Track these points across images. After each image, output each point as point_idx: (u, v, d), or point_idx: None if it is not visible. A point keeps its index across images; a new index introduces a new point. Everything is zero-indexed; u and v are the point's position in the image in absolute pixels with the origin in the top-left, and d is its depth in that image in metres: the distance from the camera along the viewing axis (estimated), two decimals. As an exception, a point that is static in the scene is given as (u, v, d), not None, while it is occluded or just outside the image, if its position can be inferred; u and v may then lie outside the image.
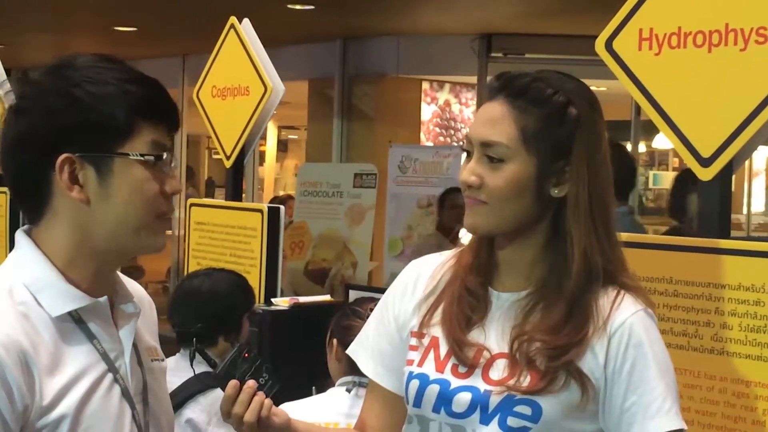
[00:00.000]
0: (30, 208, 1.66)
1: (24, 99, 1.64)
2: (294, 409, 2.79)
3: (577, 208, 1.76)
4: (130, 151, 1.60)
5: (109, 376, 1.63)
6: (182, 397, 3.12)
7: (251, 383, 1.76)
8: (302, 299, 4.36)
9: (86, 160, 1.60)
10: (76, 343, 1.61)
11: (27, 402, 1.52)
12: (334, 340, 2.92)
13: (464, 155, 1.84)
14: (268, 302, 4.17)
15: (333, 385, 2.94)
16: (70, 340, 1.60)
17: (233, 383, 1.75)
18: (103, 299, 1.65)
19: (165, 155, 1.64)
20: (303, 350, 3.30)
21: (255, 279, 4.18)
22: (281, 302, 4.20)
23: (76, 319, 1.62)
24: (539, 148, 1.77)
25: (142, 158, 1.61)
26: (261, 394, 1.77)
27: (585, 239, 1.76)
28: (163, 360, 1.82)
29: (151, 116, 1.63)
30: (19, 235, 1.67)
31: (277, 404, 1.83)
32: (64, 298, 1.61)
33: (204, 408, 3.10)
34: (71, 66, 1.63)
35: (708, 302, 2.36)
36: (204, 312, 3.27)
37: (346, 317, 2.85)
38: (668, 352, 1.80)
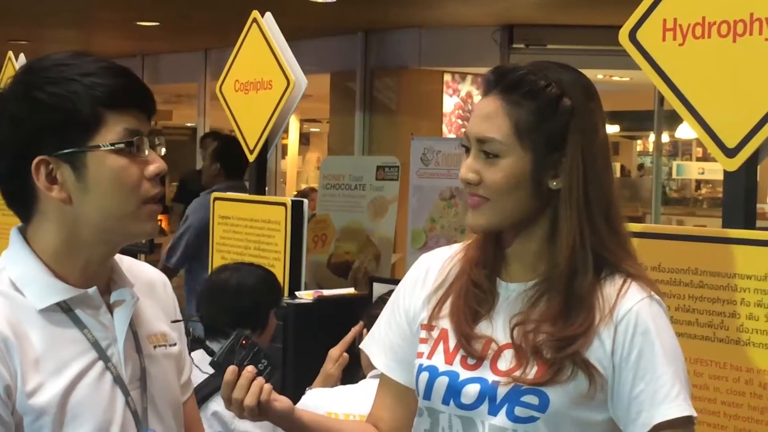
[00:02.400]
0: (19, 211, 1.71)
1: None
2: (324, 398, 2.81)
3: (571, 199, 1.76)
4: (100, 143, 1.62)
5: (100, 364, 1.66)
6: (208, 390, 3.13)
7: (250, 368, 1.77)
8: (326, 292, 4.38)
9: (60, 158, 1.62)
10: (65, 333, 1.65)
11: (8, 383, 1.56)
12: (363, 330, 2.95)
13: (464, 152, 1.84)
14: (292, 295, 4.19)
15: (363, 376, 2.94)
16: (59, 330, 1.64)
17: (232, 369, 1.77)
18: (92, 290, 1.67)
19: (137, 139, 1.64)
20: (328, 343, 3.30)
21: (279, 272, 4.19)
22: (305, 295, 4.22)
23: (65, 309, 1.66)
24: (533, 141, 1.77)
25: (113, 147, 1.62)
26: (260, 379, 1.78)
27: (575, 230, 1.76)
28: (173, 345, 1.82)
29: (118, 105, 1.64)
30: (13, 233, 1.71)
31: (294, 392, 1.83)
32: (49, 291, 1.65)
33: (230, 401, 3.11)
34: (31, 70, 1.66)
35: (733, 293, 2.35)
36: (230, 306, 3.28)
37: (376, 307, 2.87)
38: (686, 344, 1.80)
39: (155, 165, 1.67)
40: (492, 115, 1.78)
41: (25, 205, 1.68)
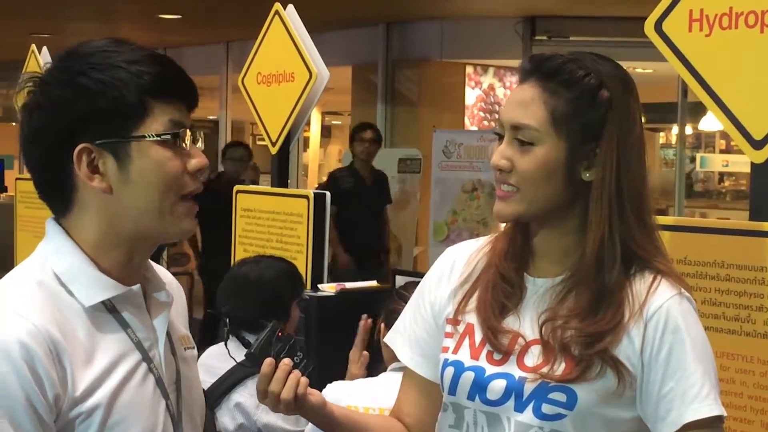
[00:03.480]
0: (56, 203, 1.63)
1: (32, 95, 1.60)
2: (346, 390, 2.80)
3: (602, 191, 1.74)
4: (145, 133, 1.57)
5: (144, 366, 1.61)
6: (231, 382, 3.14)
7: (287, 361, 1.75)
8: (349, 285, 4.37)
9: (103, 147, 1.56)
10: (110, 333, 1.59)
11: (58, 392, 1.50)
12: (382, 324, 2.94)
13: (497, 139, 1.81)
14: (314, 288, 4.19)
15: (384, 369, 2.94)
16: (103, 330, 1.58)
17: (269, 361, 1.75)
18: (136, 287, 1.62)
19: (182, 132, 1.60)
20: (350, 336, 3.29)
21: (301, 265, 4.19)
22: (328, 288, 4.21)
23: (109, 308, 1.60)
24: (569, 131, 1.74)
25: (159, 138, 1.57)
26: (297, 372, 1.76)
27: (605, 222, 1.73)
28: (193, 348, 1.79)
29: (164, 95, 1.59)
30: (50, 225, 1.65)
31: (317, 386, 1.82)
32: (97, 287, 1.59)
33: (253, 392, 3.10)
34: (75, 55, 1.59)
35: (761, 286, 2.34)
36: (252, 299, 3.28)
37: (393, 301, 2.86)
38: (713, 337, 1.78)
39: (197, 159, 1.62)
40: (528, 102, 1.76)
41: (62, 196, 1.61)
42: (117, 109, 1.56)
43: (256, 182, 8.81)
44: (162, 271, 1.80)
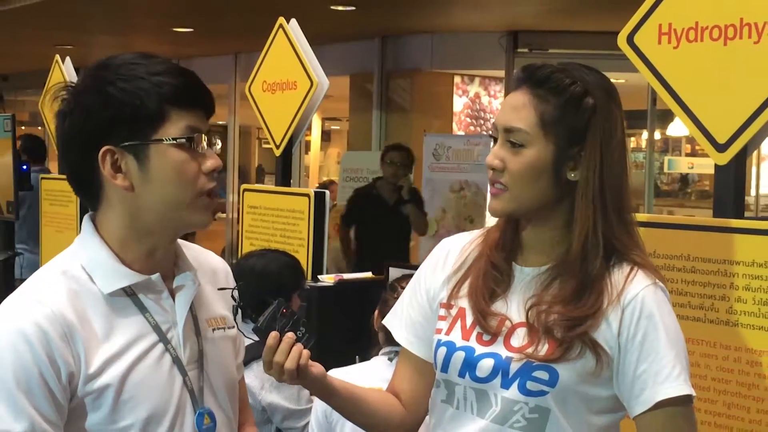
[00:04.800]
0: (88, 199, 1.70)
1: (66, 102, 1.65)
2: (339, 376, 2.80)
3: (587, 190, 1.75)
4: (163, 137, 1.61)
5: (160, 346, 1.65)
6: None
7: (290, 335, 1.75)
8: (346, 276, 4.37)
9: (125, 149, 1.61)
10: (129, 317, 1.63)
11: (72, 369, 1.55)
12: (376, 312, 2.95)
13: (492, 141, 1.83)
14: (315, 279, 4.18)
15: (377, 354, 2.94)
16: (122, 314, 1.63)
17: (274, 334, 1.74)
18: (155, 276, 1.66)
19: (197, 136, 1.63)
20: (347, 322, 3.30)
21: (303, 258, 4.18)
22: (327, 279, 4.21)
23: (129, 294, 1.64)
24: (556, 134, 1.75)
25: (175, 141, 1.61)
26: (299, 345, 1.76)
27: (589, 219, 1.74)
28: (231, 328, 1.81)
29: (182, 103, 1.62)
30: (85, 221, 1.70)
31: (317, 361, 1.82)
32: (116, 276, 1.64)
33: (257, 374, 3.10)
34: (106, 67, 1.64)
35: (723, 278, 2.33)
36: (255, 289, 3.27)
37: (388, 291, 2.86)
38: (679, 324, 1.78)
39: (212, 161, 1.65)
40: (520, 107, 1.77)
41: (93, 194, 1.67)
42: (138, 116, 1.60)
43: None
44: (206, 256, 1.84)
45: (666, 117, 9.78)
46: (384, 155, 6.90)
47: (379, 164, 6.93)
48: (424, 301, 1.93)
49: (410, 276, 2.04)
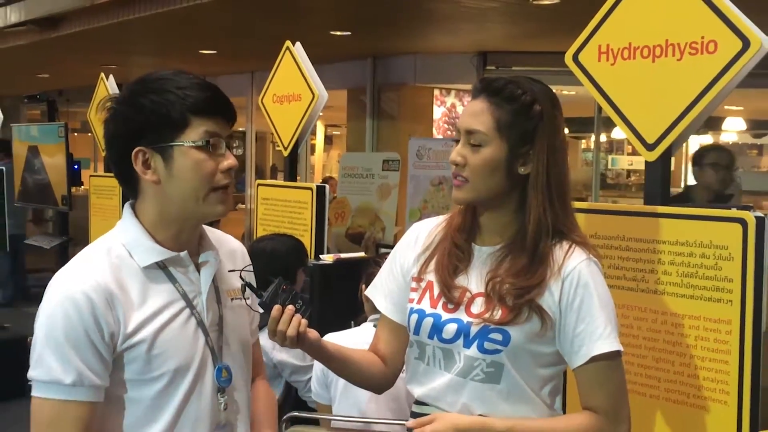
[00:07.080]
0: (129, 190, 1.71)
1: (110, 111, 1.67)
2: (334, 339, 2.80)
3: (537, 182, 1.75)
4: (184, 140, 1.62)
5: (187, 311, 1.66)
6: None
7: (290, 307, 1.76)
8: (344, 256, 4.36)
9: (154, 150, 1.63)
10: (161, 285, 1.65)
11: (113, 330, 1.57)
12: (362, 285, 2.95)
13: (454, 142, 1.83)
14: (317, 258, 4.17)
15: (364, 320, 2.94)
16: (156, 284, 1.64)
17: (277, 307, 1.75)
18: (183, 253, 1.68)
19: (213, 140, 1.63)
20: (344, 294, 3.29)
21: (307, 241, 4.18)
22: (327, 258, 4.20)
23: (162, 267, 1.66)
24: (510, 136, 1.75)
25: (193, 144, 1.62)
26: (298, 316, 1.76)
27: (540, 206, 1.75)
28: (248, 299, 1.82)
29: (202, 112, 1.63)
30: (126, 207, 1.72)
31: (315, 328, 1.82)
32: (151, 253, 1.65)
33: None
34: (142, 81, 1.66)
35: (652, 254, 2.35)
36: (266, 268, 3.27)
37: (371, 267, 2.87)
38: (616, 293, 1.79)
39: (228, 161, 1.66)
40: (479, 113, 1.77)
41: (131, 186, 1.69)
42: (164, 122, 1.61)
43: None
44: (226, 239, 1.85)
45: (610, 122, 9.68)
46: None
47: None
48: (399, 275, 1.93)
49: (387, 254, 2.04)
